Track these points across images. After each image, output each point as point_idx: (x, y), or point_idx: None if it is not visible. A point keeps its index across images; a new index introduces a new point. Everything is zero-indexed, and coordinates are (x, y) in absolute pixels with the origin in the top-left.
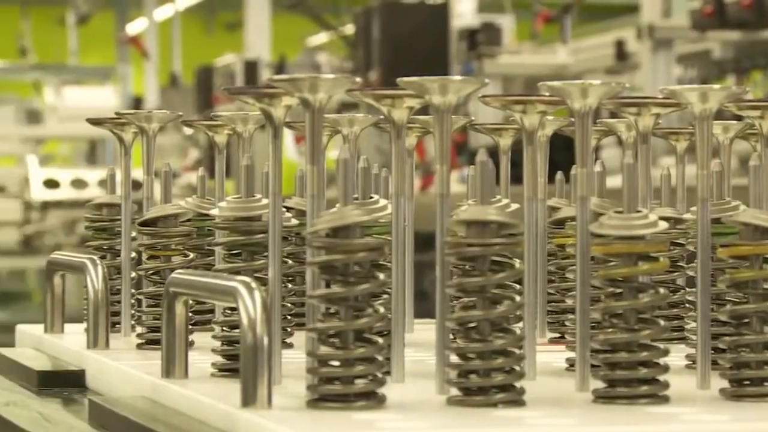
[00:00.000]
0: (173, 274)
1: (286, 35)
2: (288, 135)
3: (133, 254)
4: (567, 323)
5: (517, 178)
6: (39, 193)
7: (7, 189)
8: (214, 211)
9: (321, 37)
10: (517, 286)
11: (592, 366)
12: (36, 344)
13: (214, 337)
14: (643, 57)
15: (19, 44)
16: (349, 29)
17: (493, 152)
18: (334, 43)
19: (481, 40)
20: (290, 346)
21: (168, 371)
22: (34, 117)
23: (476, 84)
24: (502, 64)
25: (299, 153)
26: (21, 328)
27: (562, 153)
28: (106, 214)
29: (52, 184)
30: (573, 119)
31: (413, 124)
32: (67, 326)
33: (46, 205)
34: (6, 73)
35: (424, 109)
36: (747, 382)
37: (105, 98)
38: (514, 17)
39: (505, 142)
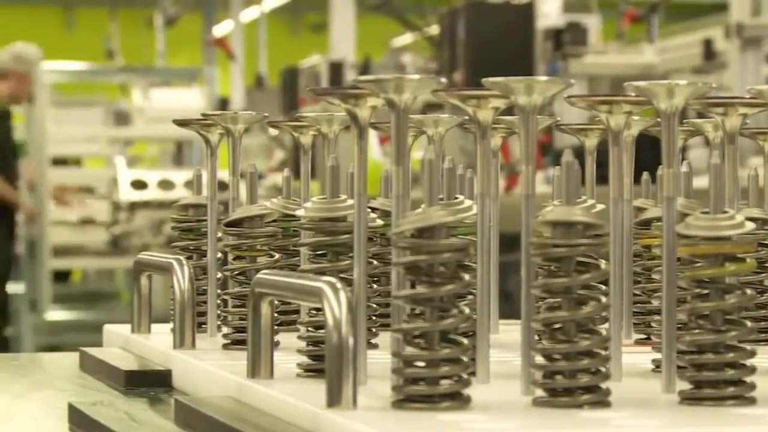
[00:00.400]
0: (259, 275)
1: (371, 36)
2: (373, 136)
3: (219, 255)
4: (653, 324)
5: (602, 178)
6: (127, 194)
7: (96, 190)
8: (300, 212)
9: (406, 38)
10: (603, 287)
11: (678, 367)
12: (123, 344)
13: (299, 337)
14: (732, 56)
15: (106, 47)
16: (434, 30)
17: (579, 152)
18: (418, 43)
19: (567, 39)
20: (375, 346)
21: (253, 371)
22: (121, 119)
23: (561, 84)
24: (587, 64)
25: (384, 154)
26: (108, 328)
27: (648, 153)
28: (193, 214)
29: (139, 185)
30: (659, 119)
31: (498, 125)
32: (154, 326)
33: (133, 206)
34: (94, 76)
35: (509, 110)
36: None
37: (191, 100)
38: (600, 17)
39: (591, 142)
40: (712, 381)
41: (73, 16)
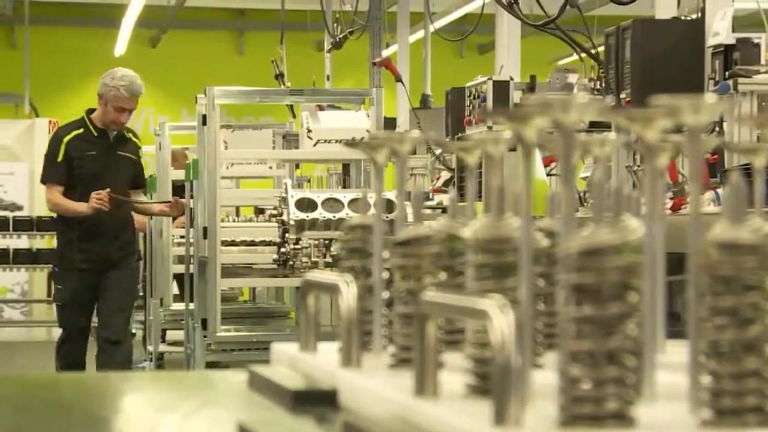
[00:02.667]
0: (425, 295)
1: (536, 56)
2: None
3: (386, 274)
4: None
5: None
6: (295, 214)
7: (265, 210)
8: (465, 232)
9: (571, 58)
10: None
11: None
12: (290, 362)
13: (465, 356)
14: None
15: (275, 70)
16: (600, 49)
17: (748, 172)
18: (584, 63)
19: (737, 57)
20: (541, 366)
21: (419, 390)
22: (290, 140)
23: (730, 103)
24: (758, 82)
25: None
26: (276, 347)
27: None
28: (360, 235)
29: (307, 205)
30: None
31: (665, 144)
32: (322, 345)
33: (301, 226)
34: (264, 98)
35: (677, 128)
36: None
37: (358, 121)
38: None
39: (760, 161)
40: None
41: (244, 41)
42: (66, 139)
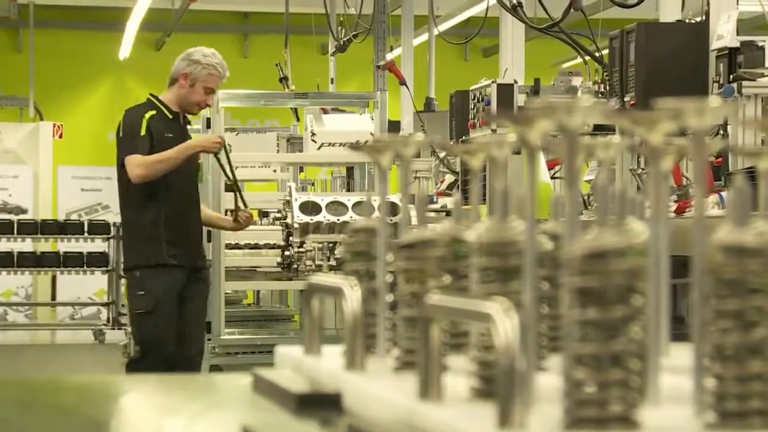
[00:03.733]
0: (429, 298)
1: (540, 59)
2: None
3: (390, 278)
4: None
5: None
6: (299, 217)
7: (269, 213)
8: (470, 235)
9: (575, 61)
10: None
11: None
12: (295, 365)
13: (469, 359)
14: None
15: (280, 73)
16: (604, 52)
17: (752, 175)
18: (588, 66)
19: (741, 60)
20: (545, 369)
21: (423, 393)
22: (294, 143)
23: (734, 107)
24: (762, 85)
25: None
26: (280, 350)
27: None
28: (363, 238)
29: (311, 208)
30: None
31: (669, 147)
32: (326, 348)
33: (305, 229)
34: (268, 101)
35: (681, 131)
36: None
37: (362, 124)
38: None
39: (764, 164)
40: None
41: (248, 44)
42: (147, 115)
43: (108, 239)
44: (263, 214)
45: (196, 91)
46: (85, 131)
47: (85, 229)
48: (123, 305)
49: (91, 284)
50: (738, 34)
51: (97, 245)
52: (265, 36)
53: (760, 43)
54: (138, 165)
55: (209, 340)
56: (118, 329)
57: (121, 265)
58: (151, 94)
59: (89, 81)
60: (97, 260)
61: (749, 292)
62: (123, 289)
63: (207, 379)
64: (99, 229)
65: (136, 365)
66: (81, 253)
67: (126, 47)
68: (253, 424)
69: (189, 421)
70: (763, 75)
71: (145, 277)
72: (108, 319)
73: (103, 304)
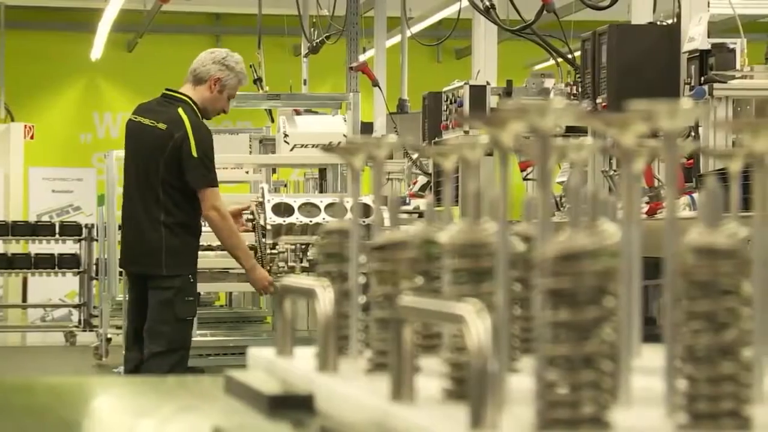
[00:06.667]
0: (401, 299)
1: (513, 61)
2: (514, 159)
3: (362, 279)
4: None
5: (747, 202)
6: (271, 219)
7: (242, 215)
8: (442, 237)
9: (547, 63)
10: (746, 312)
11: None
12: (267, 367)
13: (441, 361)
14: None
15: (253, 75)
16: (577, 53)
17: (724, 177)
18: (560, 68)
19: (712, 63)
20: (517, 371)
21: (396, 395)
22: (266, 145)
23: (705, 108)
24: (733, 87)
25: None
26: (253, 351)
27: None
28: (336, 239)
29: (283, 209)
30: None
31: (641, 149)
32: (298, 349)
33: (278, 231)
34: (241, 102)
35: (653, 133)
36: None
37: (335, 125)
38: (745, 40)
39: (735, 166)
40: None
41: (221, 45)
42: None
43: (79, 240)
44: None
45: (223, 98)
46: (56, 132)
47: (57, 230)
48: (95, 307)
49: (63, 286)
50: (709, 37)
51: (69, 247)
52: (237, 37)
53: (731, 46)
54: (218, 209)
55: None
56: (90, 331)
57: (94, 267)
58: (183, 95)
59: (61, 82)
60: (68, 262)
61: (721, 293)
62: (159, 294)
63: (179, 381)
64: (70, 230)
65: (173, 372)
66: (52, 254)
67: (98, 48)
68: (224, 425)
69: (161, 423)
70: (734, 77)
71: (194, 284)
72: (79, 320)
73: (74, 306)
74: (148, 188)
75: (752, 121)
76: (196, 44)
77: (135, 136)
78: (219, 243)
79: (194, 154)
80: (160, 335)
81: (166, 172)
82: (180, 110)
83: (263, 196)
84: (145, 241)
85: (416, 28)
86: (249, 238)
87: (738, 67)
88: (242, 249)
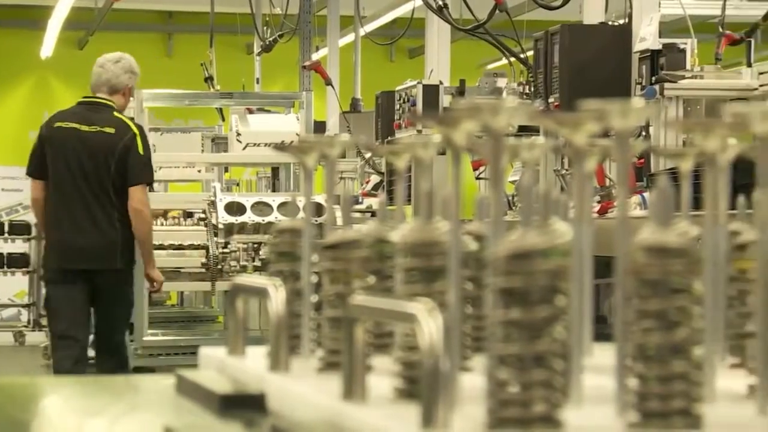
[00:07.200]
0: (353, 299)
1: (466, 60)
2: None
3: (315, 278)
4: (748, 348)
5: (698, 201)
6: (223, 218)
7: (194, 214)
8: (394, 236)
9: (500, 62)
10: (697, 311)
11: None
12: (219, 366)
13: (393, 360)
14: None
15: (205, 73)
16: (529, 53)
17: (674, 176)
18: (513, 67)
19: (663, 62)
20: (469, 369)
21: (348, 394)
22: (218, 143)
23: (656, 108)
24: (684, 87)
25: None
26: (204, 351)
27: (744, 176)
28: (288, 238)
29: (236, 208)
30: (756, 142)
31: (593, 148)
32: (250, 349)
33: (230, 230)
34: (193, 101)
35: (604, 133)
36: None
37: (288, 124)
38: (696, 40)
39: (686, 165)
40: None
41: (173, 43)
42: None
43: (29, 240)
44: (187, 214)
45: (128, 101)
46: (5, 131)
47: (6, 229)
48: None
49: (12, 285)
50: (660, 37)
51: (18, 246)
52: (189, 35)
53: (682, 46)
54: (147, 206)
55: (132, 341)
56: (39, 331)
57: (41, 266)
58: (109, 100)
59: (10, 80)
60: (17, 261)
61: (671, 292)
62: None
63: (129, 380)
64: (20, 229)
65: (122, 360)
66: (1, 253)
67: (48, 46)
68: (175, 425)
69: (111, 422)
70: (684, 77)
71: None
72: (28, 320)
73: (23, 306)
74: (101, 190)
75: (702, 121)
76: (147, 43)
77: (74, 142)
78: (170, 242)
79: (141, 152)
80: (121, 323)
81: (116, 173)
82: (117, 114)
83: (215, 195)
84: (104, 238)
85: (369, 27)
86: (201, 237)
87: (688, 67)
88: (151, 244)
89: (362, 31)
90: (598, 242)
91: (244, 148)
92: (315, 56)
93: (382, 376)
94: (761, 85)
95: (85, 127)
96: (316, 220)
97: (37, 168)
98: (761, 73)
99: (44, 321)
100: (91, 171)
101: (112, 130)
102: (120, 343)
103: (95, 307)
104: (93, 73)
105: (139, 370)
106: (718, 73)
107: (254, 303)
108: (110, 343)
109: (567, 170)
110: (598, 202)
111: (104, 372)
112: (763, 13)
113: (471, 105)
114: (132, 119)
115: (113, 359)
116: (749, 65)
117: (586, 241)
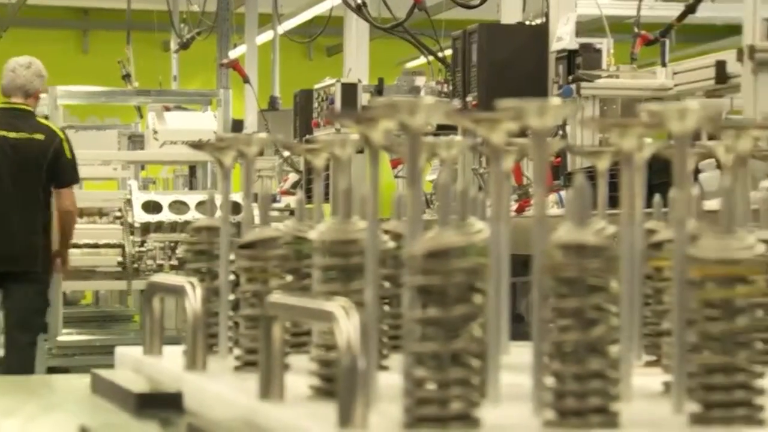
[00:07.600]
0: (270, 297)
1: (384, 59)
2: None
3: (232, 277)
4: (663, 346)
5: (614, 200)
6: (140, 216)
7: (109, 212)
8: (312, 234)
9: (419, 61)
10: (614, 309)
11: (688, 389)
12: (135, 366)
13: (311, 359)
14: (744, 79)
15: (121, 70)
16: (447, 52)
17: (591, 175)
18: (432, 66)
19: (580, 62)
20: (386, 368)
21: (265, 393)
22: (135, 141)
23: (573, 107)
24: (600, 86)
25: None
26: (120, 350)
27: (660, 175)
28: (206, 237)
29: (152, 207)
30: (672, 142)
31: (510, 147)
32: (166, 348)
33: (146, 228)
34: (109, 98)
35: (521, 132)
36: None
37: (205, 122)
38: (612, 40)
39: (603, 164)
40: (722, 402)
41: (89, 40)
42: None
43: None
44: (102, 213)
45: (37, 104)
46: None
47: None
48: None
49: None
50: (577, 37)
51: None
52: (106, 32)
53: (598, 46)
54: (76, 206)
55: (46, 340)
56: None
57: None
58: (27, 105)
59: None
60: None
61: (588, 290)
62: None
63: (44, 380)
64: None
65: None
66: None
67: None
68: (91, 424)
69: (25, 422)
70: (600, 76)
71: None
72: None
73: None
74: (32, 195)
75: (619, 120)
76: (63, 40)
77: (5, 149)
78: (85, 241)
79: (69, 156)
80: (35, 325)
81: (46, 178)
82: (41, 120)
83: (131, 194)
84: (31, 241)
85: (288, 25)
86: (116, 236)
87: (604, 66)
88: (70, 237)
89: (280, 29)
90: (515, 241)
91: (161, 146)
92: (233, 54)
93: (300, 374)
94: (676, 85)
95: (12, 134)
96: (234, 219)
97: None
98: (675, 73)
99: None
100: (21, 178)
101: (41, 137)
102: (31, 347)
103: (8, 307)
104: (4, 77)
105: (53, 370)
106: (633, 72)
107: (171, 302)
108: (21, 344)
109: (485, 169)
110: (516, 200)
111: (11, 370)
112: (677, 14)
113: (389, 103)
114: (47, 117)
115: (22, 355)
116: (664, 65)
117: (504, 239)
